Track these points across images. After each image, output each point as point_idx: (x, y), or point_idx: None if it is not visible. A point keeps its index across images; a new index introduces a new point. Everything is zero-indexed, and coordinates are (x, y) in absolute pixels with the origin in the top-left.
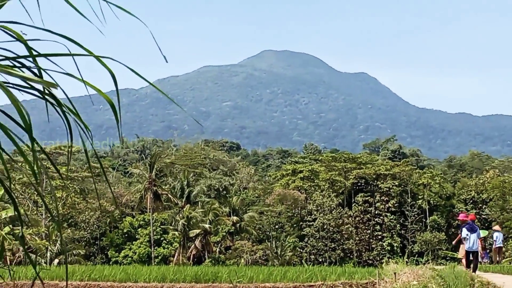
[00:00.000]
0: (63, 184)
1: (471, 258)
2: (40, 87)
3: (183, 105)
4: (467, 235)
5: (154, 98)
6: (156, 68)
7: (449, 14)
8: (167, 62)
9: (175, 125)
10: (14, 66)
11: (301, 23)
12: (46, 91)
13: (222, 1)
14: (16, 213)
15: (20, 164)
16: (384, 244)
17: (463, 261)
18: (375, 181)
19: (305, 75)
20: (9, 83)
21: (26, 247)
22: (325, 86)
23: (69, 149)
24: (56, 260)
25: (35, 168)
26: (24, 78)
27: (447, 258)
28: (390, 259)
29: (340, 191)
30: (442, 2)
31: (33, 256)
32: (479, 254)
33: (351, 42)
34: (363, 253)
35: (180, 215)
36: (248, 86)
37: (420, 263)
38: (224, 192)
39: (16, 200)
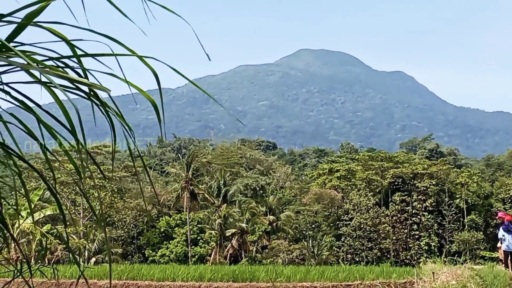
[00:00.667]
0: (101, 183)
1: (510, 258)
2: (85, 87)
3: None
4: (503, 235)
5: (190, 98)
6: (192, 68)
7: (487, 11)
8: (210, 60)
9: (211, 125)
10: (58, 66)
11: (338, 22)
12: (91, 92)
13: (258, 0)
14: (60, 213)
15: (58, 163)
16: (421, 243)
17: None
18: (412, 180)
19: (342, 74)
20: (51, 83)
21: (65, 246)
22: (361, 85)
23: (113, 149)
24: (93, 259)
25: (79, 167)
26: (72, 80)
27: (486, 258)
28: (427, 259)
29: (377, 190)
30: (480, 1)
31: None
32: None
33: (388, 41)
34: (400, 253)
35: (217, 214)
36: (284, 85)
37: (458, 262)
38: (261, 191)
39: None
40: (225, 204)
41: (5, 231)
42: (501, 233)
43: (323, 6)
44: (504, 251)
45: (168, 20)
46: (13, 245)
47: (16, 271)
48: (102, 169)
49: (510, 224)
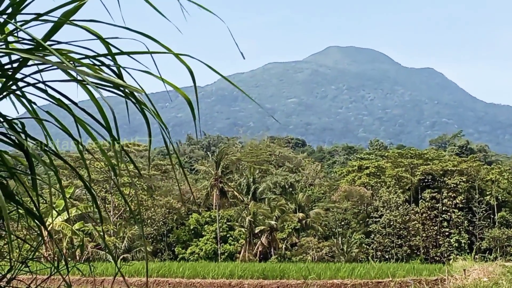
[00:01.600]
0: (130, 181)
1: None
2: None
3: (248, 102)
4: None
5: (219, 96)
6: (220, 65)
7: None
8: (244, 58)
9: (240, 122)
10: (94, 64)
11: (367, 18)
12: (127, 90)
13: None
14: (93, 210)
15: (88, 161)
16: (451, 240)
17: None
18: (442, 177)
19: (371, 71)
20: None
21: (95, 244)
22: (390, 82)
23: (149, 147)
24: (121, 257)
25: (115, 165)
26: (107, 81)
27: None
28: (458, 256)
29: (407, 188)
30: None
31: (102, 252)
32: None
33: (417, 37)
34: (430, 250)
35: (246, 211)
36: (313, 83)
37: (488, 260)
38: (290, 189)
39: (87, 197)
40: (253, 202)
41: (41, 228)
42: None
43: (351, 2)
44: None
45: (196, 17)
46: (46, 242)
47: (53, 267)
48: (133, 167)
49: None
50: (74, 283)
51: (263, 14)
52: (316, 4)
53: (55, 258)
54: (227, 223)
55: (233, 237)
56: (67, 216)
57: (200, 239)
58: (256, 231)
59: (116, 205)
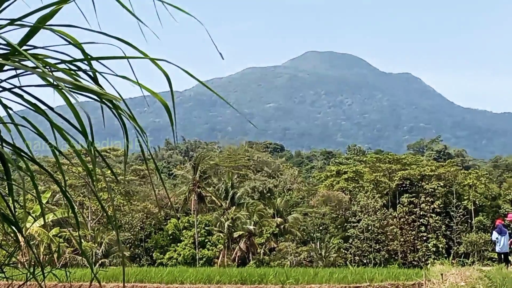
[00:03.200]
0: (109, 186)
1: (503, 259)
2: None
3: (227, 107)
4: (497, 238)
5: (197, 100)
6: (199, 70)
7: (495, 13)
8: (223, 59)
9: (218, 127)
10: (70, 69)
11: (345, 24)
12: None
13: (266, 3)
14: (69, 216)
15: (66, 166)
16: (429, 245)
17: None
18: (420, 182)
19: (349, 76)
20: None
21: (72, 249)
22: (369, 87)
23: (126, 152)
24: (99, 262)
25: (91, 170)
26: (83, 89)
27: (494, 259)
28: (435, 260)
29: (385, 192)
30: (488, 2)
31: (79, 258)
32: None
33: (395, 43)
34: (408, 254)
35: (225, 216)
36: (292, 88)
37: (466, 264)
38: (268, 194)
39: (64, 202)
40: (234, 207)
41: (18, 234)
42: (494, 235)
43: (329, 8)
44: (497, 252)
45: (174, 22)
46: (22, 248)
47: (29, 273)
48: (108, 172)
49: (502, 227)
50: None
51: (241, 20)
52: (295, 9)
53: (32, 263)
54: (205, 228)
55: (211, 242)
56: (44, 222)
57: (178, 244)
58: (234, 236)
59: (94, 210)
